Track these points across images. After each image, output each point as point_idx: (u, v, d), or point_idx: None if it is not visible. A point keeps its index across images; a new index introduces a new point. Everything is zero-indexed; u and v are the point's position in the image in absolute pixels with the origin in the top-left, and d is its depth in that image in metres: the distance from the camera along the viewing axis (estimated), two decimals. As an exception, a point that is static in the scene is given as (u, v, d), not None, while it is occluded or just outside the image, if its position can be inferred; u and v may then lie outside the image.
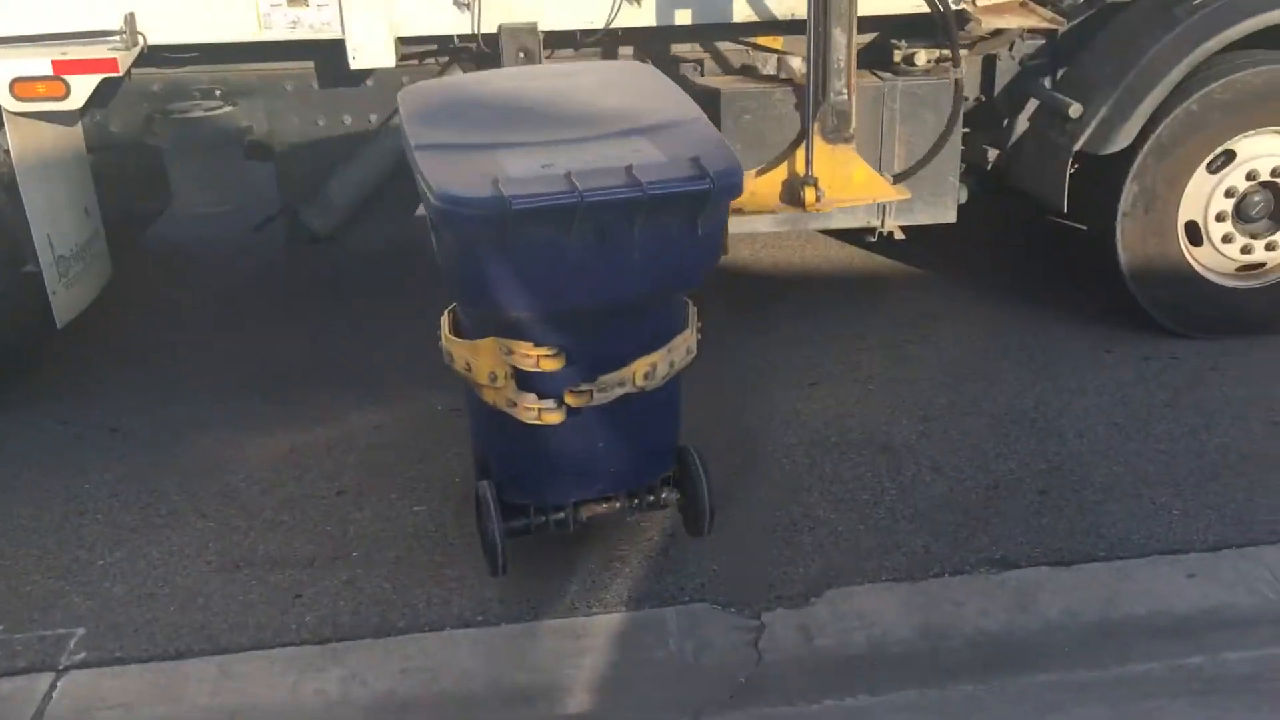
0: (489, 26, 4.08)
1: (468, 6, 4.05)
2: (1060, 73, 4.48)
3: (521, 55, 4.08)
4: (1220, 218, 4.25)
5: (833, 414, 4.02)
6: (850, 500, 3.54)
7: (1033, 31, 4.46)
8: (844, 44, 3.99)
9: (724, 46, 4.48)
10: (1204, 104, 4.07)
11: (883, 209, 4.46)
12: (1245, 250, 4.30)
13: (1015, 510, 3.46)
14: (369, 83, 4.34)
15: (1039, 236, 5.06)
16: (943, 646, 2.95)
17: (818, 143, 4.07)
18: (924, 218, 4.43)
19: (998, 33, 4.43)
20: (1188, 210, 4.23)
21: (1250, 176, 4.20)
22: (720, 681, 2.86)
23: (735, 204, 4.01)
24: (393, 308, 4.70)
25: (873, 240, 4.65)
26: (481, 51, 4.15)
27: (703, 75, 4.49)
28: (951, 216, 4.49)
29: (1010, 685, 2.81)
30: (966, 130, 4.70)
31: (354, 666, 2.94)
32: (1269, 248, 4.30)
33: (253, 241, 4.89)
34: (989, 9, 4.26)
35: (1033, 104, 4.51)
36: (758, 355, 4.42)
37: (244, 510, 3.57)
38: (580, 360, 2.81)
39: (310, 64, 4.31)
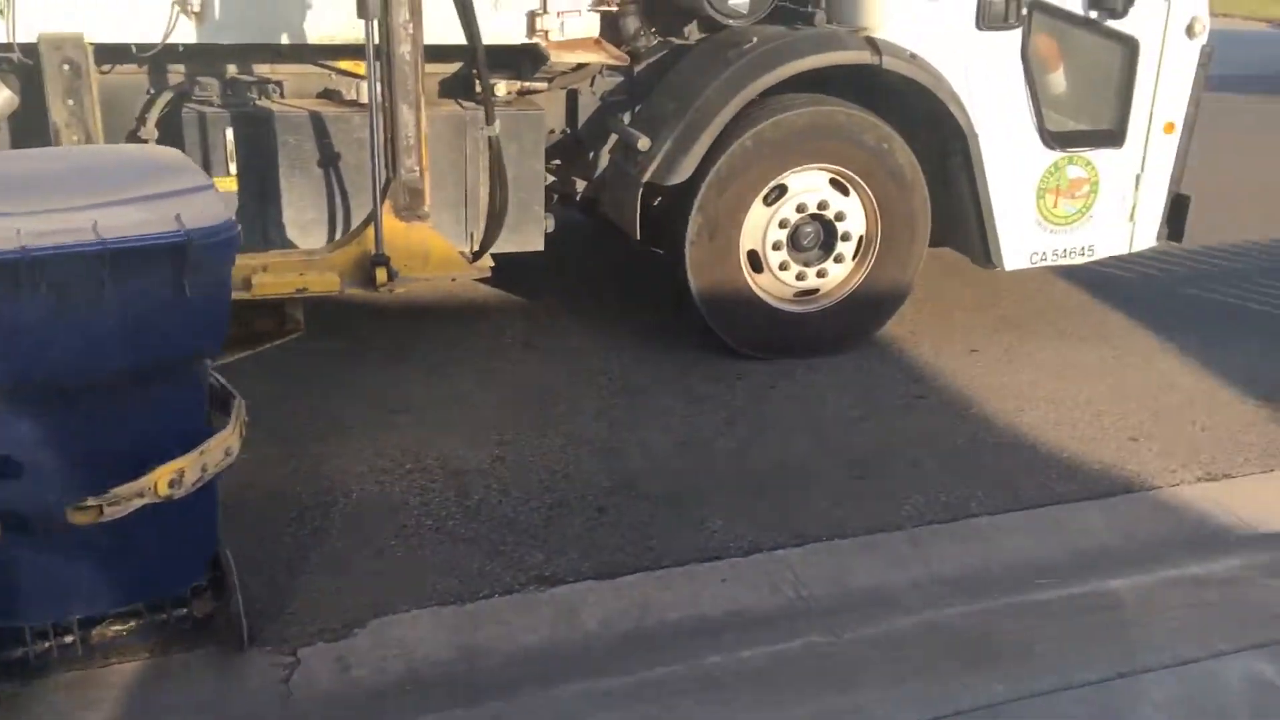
0: (28, 35, 3.79)
1: (1, 12, 3.74)
2: (637, 108, 4.70)
3: (66, 68, 3.81)
4: (776, 246, 4.58)
5: (411, 441, 3.98)
6: (413, 527, 3.51)
7: (612, 68, 4.67)
8: (413, 121, 3.93)
9: (304, 69, 4.40)
10: (756, 141, 4.38)
11: (470, 238, 4.51)
12: (800, 277, 4.65)
13: (572, 528, 3.55)
14: (-106, 91, 3.93)
15: (632, 264, 5.28)
16: (480, 666, 2.96)
17: (389, 220, 3.96)
18: (510, 246, 4.50)
19: (580, 67, 4.60)
20: (748, 239, 4.53)
21: (800, 209, 4.56)
22: (243, 723, 2.74)
23: (301, 282, 3.89)
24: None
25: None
26: (22, 63, 3.85)
27: (283, 97, 4.39)
28: (538, 245, 4.60)
29: (538, 698, 2.86)
30: (557, 162, 4.86)
31: None
32: (820, 275, 4.68)
33: None
34: (562, 45, 4.39)
35: (614, 137, 4.71)
36: (343, 381, 4.33)
37: None
38: (83, 467, 2.51)
39: None
